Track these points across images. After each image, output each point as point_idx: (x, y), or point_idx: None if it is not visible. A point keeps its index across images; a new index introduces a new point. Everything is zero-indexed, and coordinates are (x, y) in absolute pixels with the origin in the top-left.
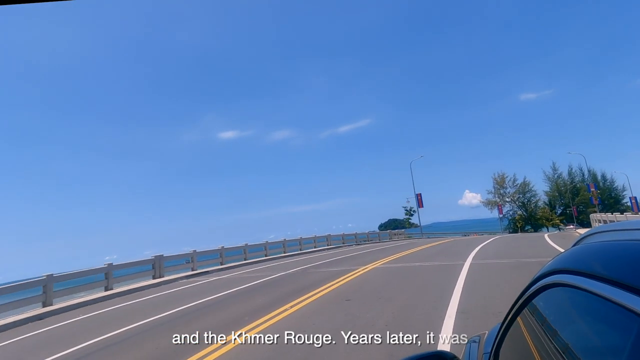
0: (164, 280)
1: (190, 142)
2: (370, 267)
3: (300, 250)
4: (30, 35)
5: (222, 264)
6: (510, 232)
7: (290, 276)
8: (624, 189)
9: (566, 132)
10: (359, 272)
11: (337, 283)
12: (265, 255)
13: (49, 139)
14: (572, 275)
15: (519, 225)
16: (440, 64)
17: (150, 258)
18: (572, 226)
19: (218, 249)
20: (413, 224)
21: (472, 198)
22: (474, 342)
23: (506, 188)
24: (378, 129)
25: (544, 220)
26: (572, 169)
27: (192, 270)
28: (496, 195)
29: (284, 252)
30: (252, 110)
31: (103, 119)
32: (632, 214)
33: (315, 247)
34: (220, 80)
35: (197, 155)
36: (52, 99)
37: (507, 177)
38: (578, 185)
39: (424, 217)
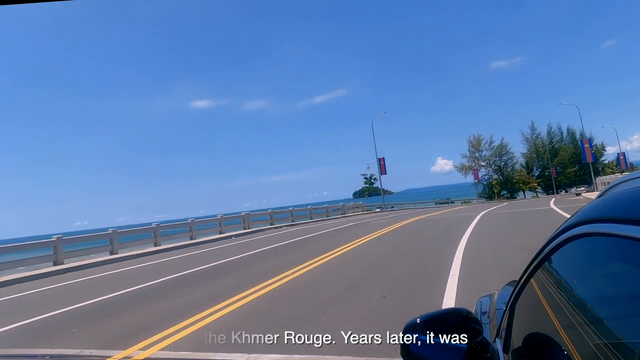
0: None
1: (163, 111)
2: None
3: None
4: None
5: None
6: (486, 199)
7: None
8: (603, 147)
9: (539, 98)
10: None
11: None
12: (271, 224)
13: (22, 109)
14: (605, 224)
15: (495, 191)
16: (412, 33)
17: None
18: (583, 187)
19: (242, 215)
20: (387, 191)
21: (444, 165)
22: (486, 299)
23: (482, 151)
24: (352, 99)
25: (521, 184)
26: (551, 128)
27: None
28: (471, 160)
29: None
30: (227, 79)
31: (73, 89)
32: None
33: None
34: (193, 48)
35: (171, 125)
36: (20, 66)
37: (483, 139)
38: (557, 146)
39: (397, 184)
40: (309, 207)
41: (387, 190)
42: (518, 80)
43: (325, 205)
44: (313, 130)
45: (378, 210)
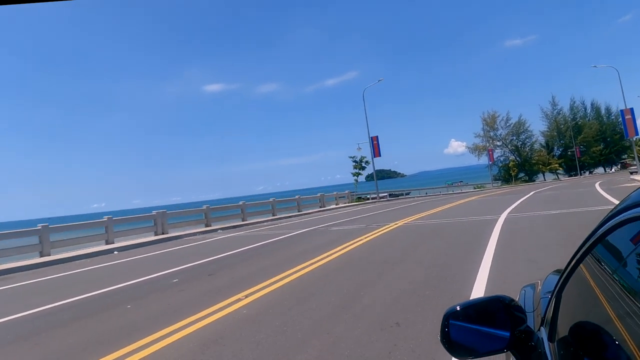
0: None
1: (176, 95)
2: None
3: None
4: None
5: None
6: (502, 182)
7: None
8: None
9: (556, 75)
10: None
11: None
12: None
13: (38, 94)
14: None
15: (512, 173)
16: (424, 14)
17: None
18: (635, 165)
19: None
20: (399, 173)
21: (457, 146)
22: (529, 288)
23: (497, 130)
24: (364, 82)
25: (541, 165)
26: (574, 102)
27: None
28: (485, 139)
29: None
30: (239, 63)
31: (87, 73)
32: None
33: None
34: (205, 32)
35: (184, 108)
36: (38, 51)
37: (498, 116)
38: (580, 122)
39: (409, 167)
40: (272, 199)
41: (399, 173)
42: (533, 58)
43: (319, 194)
44: (325, 112)
45: (374, 197)
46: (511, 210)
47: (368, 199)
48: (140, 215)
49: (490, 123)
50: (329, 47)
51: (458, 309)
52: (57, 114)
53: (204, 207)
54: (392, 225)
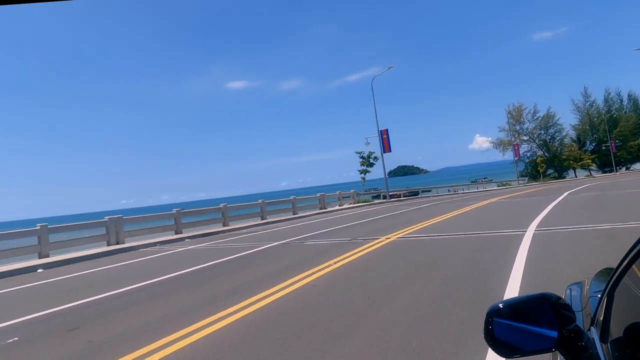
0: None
1: (199, 93)
2: None
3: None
4: None
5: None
6: (528, 179)
7: None
8: None
9: (586, 67)
10: None
11: None
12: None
13: (63, 96)
14: None
15: (541, 170)
16: (448, 7)
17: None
18: None
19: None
20: (422, 170)
21: (482, 142)
22: (576, 286)
23: (524, 123)
24: (387, 77)
25: (572, 161)
26: (609, 94)
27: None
28: (510, 134)
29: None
30: (261, 60)
31: (109, 73)
32: None
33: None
34: (228, 30)
35: (208, 106)
36: (66, 52)
37: (525, 108)
38: (616, 115)
39: (433, 163)
40: (261, 200)
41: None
42: (564, 50)
43: (318, 194)
44: (348, 108)
45: (389, 195)
46: (542, 221)
47: (386, 197)
48: (89, 222)
49: (516, 116)
50: (351, 42)
51: (501, 306)
52: (86, 115)
53: (174, 210)
54: (382, 241)
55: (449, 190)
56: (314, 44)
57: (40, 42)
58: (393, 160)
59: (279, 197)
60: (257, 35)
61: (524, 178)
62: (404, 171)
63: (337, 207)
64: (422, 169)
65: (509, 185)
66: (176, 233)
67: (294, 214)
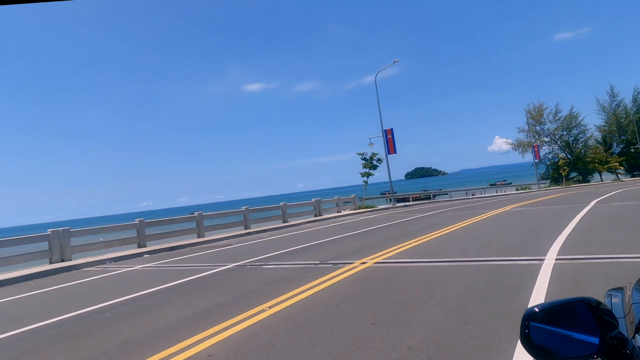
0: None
1: (217, 96)
2: None
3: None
4: None
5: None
6: (550, 182)
7: None
8: None
9: (610, 67)
10: None
11: None
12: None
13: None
14: None
15: (563, 173)
16: (466, 6)
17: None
18: None
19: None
20: (441, 171)
21: (502, 143)
22: (617, 291)
23: (544, 124)
24: (403, 77)
25: (597, 164)
26: (638, 93)
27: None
28: (530, 134)
29: None
30: (277, 62)
31: (125, 75)
32: None
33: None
34: (244, 33)
35: (225, 108)
36: (90, 58)
37: (546, 108)
38: None
39: (451, 164)
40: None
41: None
42: (586, 50)
43: (313, 199)
44: (362, 109)
45: (407, 197)
46: (565, 243)
47: (392, 200)
48: (29, 236)
49: (536, 116)
50: (367, 43)
51: (537, 310)
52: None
53: (137, 220)
54: (355, 267)
55: (466, 194)
56: (330, 46)
57: (62, 47)
58: (410, 162)
59: (296, 199)
60: (273, 37)
61: (544, 181)
62: (422, 173)
63: (335, 214)
64: (440, 171)
65: (529, 188)
66: (139, 247)
67: (284, 222)
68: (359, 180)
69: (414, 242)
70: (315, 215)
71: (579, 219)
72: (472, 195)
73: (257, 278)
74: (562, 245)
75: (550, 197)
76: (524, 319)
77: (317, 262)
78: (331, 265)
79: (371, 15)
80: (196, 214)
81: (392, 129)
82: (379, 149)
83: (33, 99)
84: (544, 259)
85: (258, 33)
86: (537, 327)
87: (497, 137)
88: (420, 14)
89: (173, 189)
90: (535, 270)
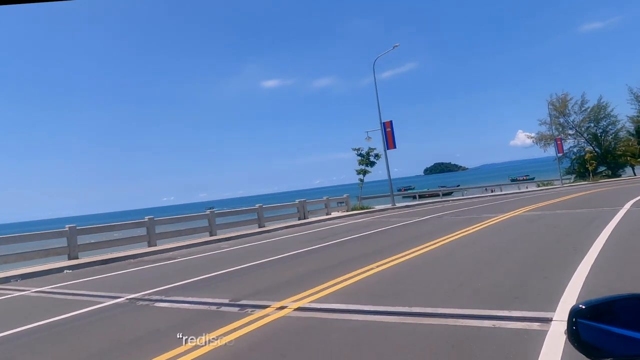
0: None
1: (235, 93)
2: None
3: None
4: None
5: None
6: (575, 177)
7: None
8: None
9: None
10: None
11: None
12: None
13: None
14: None
15: (590, 168)
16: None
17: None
18: None
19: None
20: (461, 167)
21: (524, 138)
22: None
23: (569, 115)
24: (422, 73)
25: (629, 158)
26: None
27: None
28: (553, 127)
29: None
30: (294, 58)
31: (147, 76)
32: None
33: None
34: (261, 29)
35: (243, 105)
36: (115, 59)
37: (570, 99)
38: None
39: (472, 159)
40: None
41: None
42: (617, 40)
43: (297, 201)
44: (382, 105)
45: (416, 200)
46: (588, 283)
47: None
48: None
49: (559, 108)
50: (384, 38)
51: (584, 307)
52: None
53: (66, 227)
54: (268, 316)
55: (485, 190)
56: (348, 41)
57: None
58: (431, 158)
59: (311, 196)
60: (290, 32)
61: (569, 176)
62: (441, 168)
63: (322, 217)
64: (461, 166)
65: (551, 184)
66: (70, 258)
67: (260, 227)
68: (379, 177)
69: (376, 267)
70: (299, 219)
71: (610, 231)
72: (491, 191)
73: (127, 330)
74: (583, 284)
75: (574, 195)
76: (570, 315)
77: (227, 300)
78: (237, 309)
79: (392, 10)
80: (146, 219)
81: (391, 122)
82: (378, 144)
83: (43, 100)
84: (551, 319)
85: (275, 29)
86: (585, 324)
87: (519, 131)
88: (442, 7)
89: (192, 185)
90: (531, 345)
